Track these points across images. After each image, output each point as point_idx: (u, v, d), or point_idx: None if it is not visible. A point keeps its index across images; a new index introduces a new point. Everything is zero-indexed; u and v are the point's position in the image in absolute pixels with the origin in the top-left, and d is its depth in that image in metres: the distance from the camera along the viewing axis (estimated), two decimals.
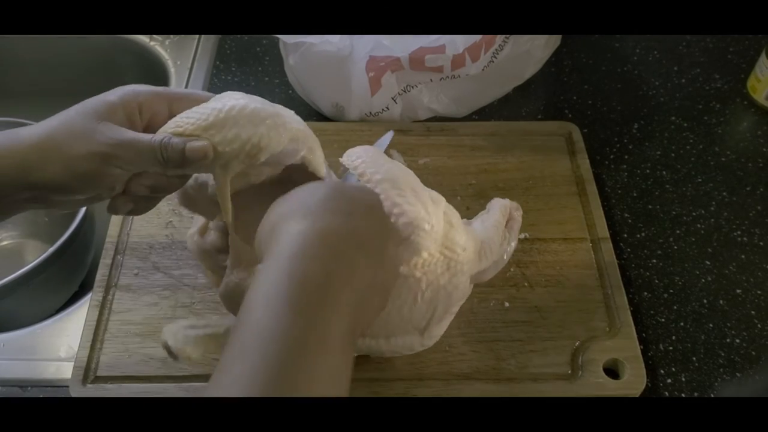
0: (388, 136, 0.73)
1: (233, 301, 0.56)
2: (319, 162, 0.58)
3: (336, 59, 0.79)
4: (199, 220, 0.65)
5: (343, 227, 0.44)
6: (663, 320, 0.70)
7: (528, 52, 0.87)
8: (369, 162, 0.56)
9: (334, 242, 0.43)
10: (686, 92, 0.93)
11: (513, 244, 0.62)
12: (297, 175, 0.58)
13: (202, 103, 0.54)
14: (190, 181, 0.59)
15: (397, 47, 0.78)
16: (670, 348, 0.68)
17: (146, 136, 0.49)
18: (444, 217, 0.57)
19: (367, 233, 0.45)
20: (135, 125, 0.51)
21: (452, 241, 0.56)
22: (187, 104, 0.53)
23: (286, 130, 0.54)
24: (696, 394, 0.65)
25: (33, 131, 0.48)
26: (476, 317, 0.67)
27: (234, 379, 0.36)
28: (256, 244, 0.47)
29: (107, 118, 0.49)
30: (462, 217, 0.65)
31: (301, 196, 0.46)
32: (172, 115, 0.52)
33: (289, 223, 0.43)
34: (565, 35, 0.97)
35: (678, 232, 0.78)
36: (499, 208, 0.63)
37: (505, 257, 0.62)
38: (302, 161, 0.57)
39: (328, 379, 0.38)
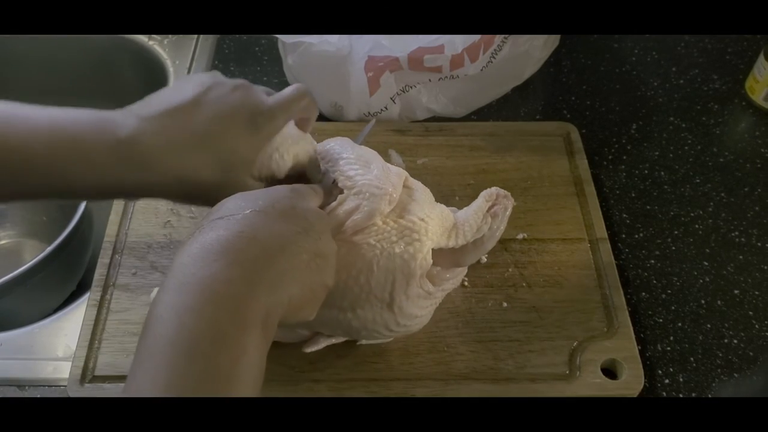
0: (369, 125, 0.74)
1: None
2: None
3: (335, 59, 0.79)
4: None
5: (248, 229, 0.44)
6: (661, 321, 0.70)
7: (527, 53, 0.87)
8: (331, 148, 0.60)
9: (228, 242, 0.42)
10: (684, 93, 0.93)
11: (497, 227, 0.62)
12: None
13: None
14: None
15: (396, 47, 0.78)
16: (668, 348, 0.68)
17: None
18: (406, 190, 0.59)
19: (274, 225, 0.45)
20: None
21: (409, 211, 0.58)
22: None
23: None
24: (694, 395, 0.65)
25: (192, 139, 0.51)
26: (474, 317, 0.67)
27: (133, 388, 0.37)
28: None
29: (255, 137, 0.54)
30: None
31: (215, 209, 0.46)
32: None
33: (197, 230, 0.44)
34: (564, 35, 0.97)
35: (676, 232, 0.78)
36: (483, 194, 0.63)
37: (486, 241, 0.61)
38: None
39: (231, 372, 0.38)
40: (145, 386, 0.36)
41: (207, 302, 0.39)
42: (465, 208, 0.63)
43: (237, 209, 0.45)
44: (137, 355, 0.38)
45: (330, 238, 0.50)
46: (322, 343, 0.62)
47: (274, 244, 0.44)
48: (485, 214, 0.62)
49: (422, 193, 0.61)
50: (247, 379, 0.38)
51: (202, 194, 0.52)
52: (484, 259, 0.72)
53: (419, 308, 0.60)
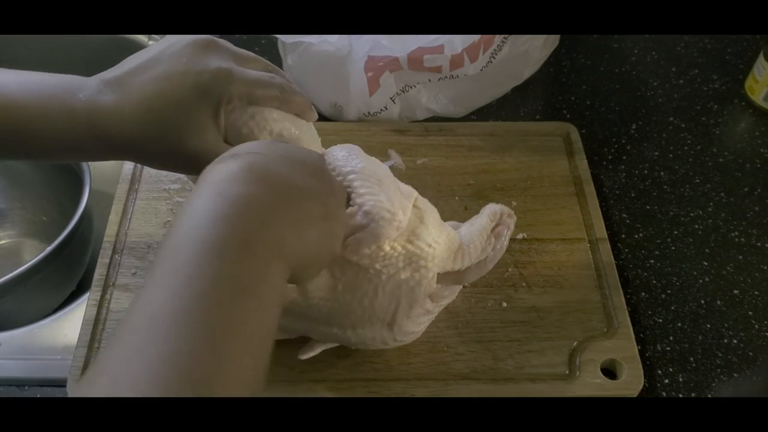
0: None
1: None
2: None
3: (334, 59, 0.79)
4: None
5: (272, 163, 0.43)
6: (660, 321, 0.70)
7: (526, 53, 0.87)
8: (342, 157, 0.57)
9: (259, 171, 0.42)
10: (684, 93, 0.93)
11: (500, 248, 0.61)
12: None
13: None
14: None
15: (396, 47, 0.78)
16: (668, 348, 0.68)
17: None
18: (415, 212, 0.57)
19: (295, 174, 0.45)
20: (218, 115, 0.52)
21: (418, 236, 0.56)
22: (268, 99, 0.55)
23: None
24: (693, 395, 0.65)
25: (139, 104, 0.49)
26: (474, 317, 0.68)
27: (153, 280, 0.36)
28: None
29: (204, 102, 0.50)
30: (459, 218, 0.65)
31: (237, 146, 0.46)
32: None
33: (220, 162, 0.43)
34: (564, 35, 0.97)
35: (676, 232, 0.78)
36: (487, 212, 0.62)
37: (488, 261, 0.61)
38: None
39: (250, 282, 0.37)
40: (166, 280, 0.35)
41: (242, 217, 0.39)
42: (467, 225, 0.62)
43: (273, 150, 0.45)
44: (157, 257, 0.37)
45: (344, 210, 0.51)
46: (317, 349, 0.62)
47: (304, 193, 0.44)
48: (489, 234, 0.61)
49: (431, 214, 0.59)
50: (267, 297, 0.38)
51: (160, 157, 0.51)
52: None
53: (417, 325, 0.60)
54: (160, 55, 0.52)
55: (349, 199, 0.54)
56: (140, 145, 0.50)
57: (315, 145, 0.61)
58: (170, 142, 0.50)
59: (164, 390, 0.31)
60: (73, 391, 0.62)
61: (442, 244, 0.58)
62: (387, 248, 0.55)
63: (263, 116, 0.55)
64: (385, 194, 0.55)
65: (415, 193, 0.59)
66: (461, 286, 0.66)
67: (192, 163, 0.51)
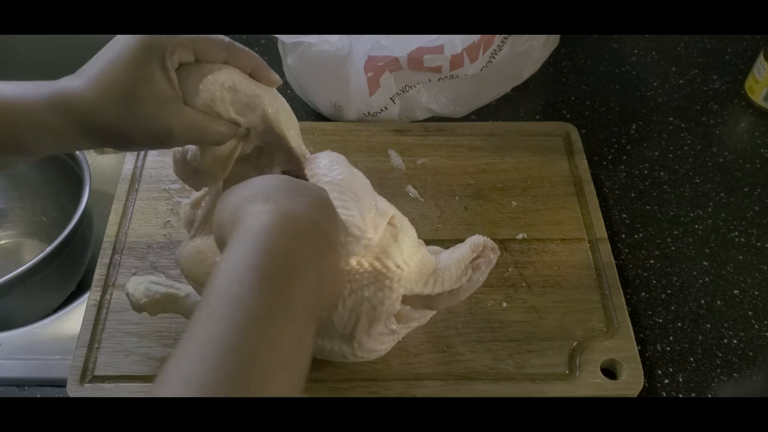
0: None
1: (189, 263, 0.58)
2: (295, 138, 0.58)
3: (334, 59, 0.79)
4: (196, 194, 0.65)
5: (304, 210, 0.45)
6: (660, 321, 0.70)
7: (526, 53, 0.87)
8: (323, 165, 0.57)
9: (297, 221, 0.43)
10: (684, 93, 0.93)
11: (476, 280, 0.61)
12: (279, 158, 0.59)
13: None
14: (189, 153, 0.59)
15: (396, 47, 0.78)
16: (668, 348, 0.68)
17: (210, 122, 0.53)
18: (390, 230, 0.57)
19: (323, 219, 0.46)
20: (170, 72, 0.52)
21: (388, 255, 0.56)
22: (213, 53, 0.55)
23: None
24: (693, 395, 0.65)
25: (104, 82, 0.50)
26: (474, 317, 0.68)
27: (199, 342, 0.37)
28: (215, 227, 0.47)
29: (149, 57, 0.51)
30: (459, 218, 0.65)
31: (261, 183, 0.47)
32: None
33: (253, 205, 0.44)
34: (564, 36, 0.97)
35: (676, 232, 0.78)
36: (470, 243, 0.62)
37: (461, 292, 0.61)
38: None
39: (292, 348, 0.39)
40: (213, 347, 0.37)
41: (283, 280, 0.40)
42: (449, 252, 0.62)
43: (295, 191, 0.46)
44: (204, 307, 0.39)
45: (342, 222, 0.51)
46: None
47: (329, 238, 0.46)
48: (467, 265, 0.61)
49: (406, 234, 0.59)
50: (302, 349, 0.41)
51: (126, 127, 0.51)
52: None
53: (380, 343, 0.59)
54: (115, 39, 0.53)
55: None
56: (105, 118, 0.50)
57: (277, 102, 0.57)
58: (127, 104, 0.50)
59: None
60: (73, 391, 0.62)
61: (413, 266, 0.57)
62: (353, 263, 0.55)
63: (210, 70, 0.53)
64: (358, 210, 0.55)
65: (393, 211, 0.59)
66: (433, 312, 0.65)
67: (160, 131, 0.51)
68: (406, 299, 0.58)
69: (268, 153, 0.59)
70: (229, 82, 0.54)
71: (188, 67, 0.53)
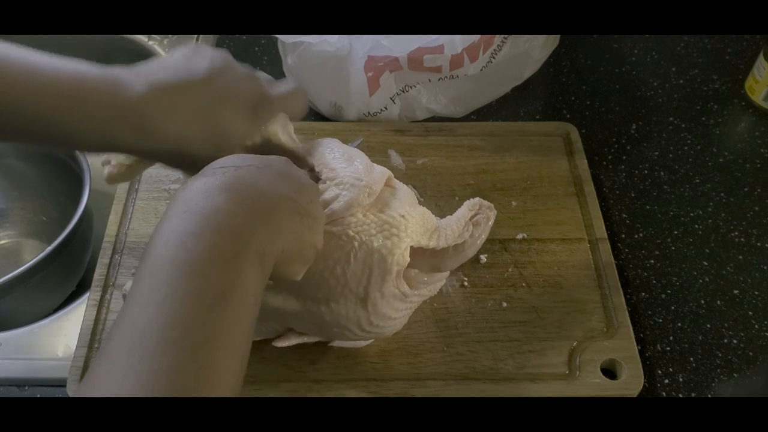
0: (356, 143, 0.78)
1: None
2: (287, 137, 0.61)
3: (334, 59, 0.79)
4: None
5: (245, 174, 0.45)
6: (660, 321, 0.70)
7: (526, 53, 0.87)
8: (320, 142, 0.62)
9: (230, 183, 0.44)
10: (684, 93, 0.93)
11: (479, 235, 0.62)
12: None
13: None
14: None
15: (396, 47, 0.78)
16: (668, 348, 0.68)
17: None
18: (388, 189, 0.60)
19: (267, 181, 0.46)
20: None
21: (391, 207, 0.58)
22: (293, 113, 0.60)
23: None
24: (693, 395, 0.65)
25: (194, 112, 0.53)
26: (474, 317, 0.68)
27: (137, 299, 0.38)
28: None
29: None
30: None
31: (214, 162, 0.48)
32: None
33: (196, 177, 0.45)
34: (564, 36, 0.97)
35: (676, 232, 0.78)
36: (467, 204, 0.64)
37: (467, 247, 0.62)
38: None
39: (225, 290, 0.39)
40: (144, 301, 0.38)
41: (208, 228, 0.41)
42: (448, 216, 0.63)
43: (238, 162, 0.47)
44: (137, 276, 0.40)
45: (319, 205, 0.52)
46: (293, 340, 0.62)
47: (272, 194, 0.46)
48: (467, 221, 0.62)
49: (405, 193, 0.61)
50: (242, 301, 0.40)
51: (193, 164, 0.53)
52: (484, 260, 0.72)
53: (393, 310, 0.59)
54: (212, 77, 0.54)
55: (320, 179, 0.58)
56: (183, 151, 0.53)
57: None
58: (215, 151, 0.52)
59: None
60: (72, 391, 0.62)
61: (416, 217, 0.59)
62: (360, 216, 0.57)
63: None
64: (356, 167, 0.59)
65: (390, 173, 0.61)
66: (443, 280, 0.66)
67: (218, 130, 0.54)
68: (413, 259, 0.59)
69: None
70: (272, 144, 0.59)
71: None
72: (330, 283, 0.56)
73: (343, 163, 0.59)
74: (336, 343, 0.64)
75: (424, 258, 0.60)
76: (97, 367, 0.36)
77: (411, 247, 0.58)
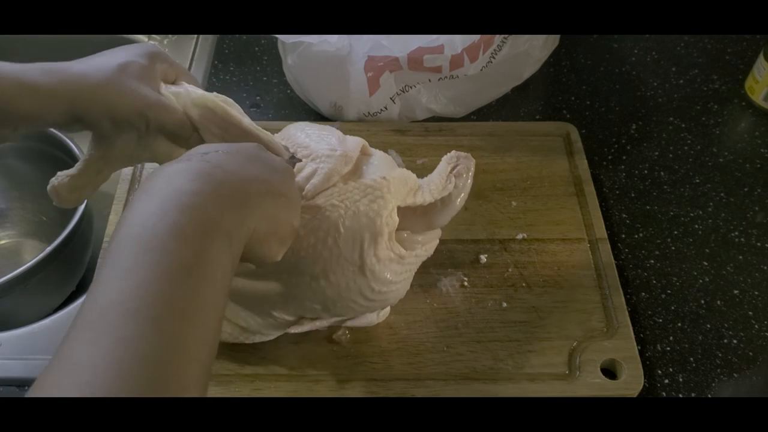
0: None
1: None
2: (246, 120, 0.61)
3: (334, 59, 0.79)
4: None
5: (214, 158, 0.46)
6: (660, 321, 0.70)
7: (526, 53, 0.87)
8: (291, 126, 0.65)
9: (199, 167, 0.44)
10: (684, 93, 0.93)
11: (463, 185, 0.62)
12: None
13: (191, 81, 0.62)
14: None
15: (396, 47, 0.78)
16: (668, 348, 0.68)
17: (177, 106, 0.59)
18: (363, 157, 0.61)
19: (237, 164, 0.47)
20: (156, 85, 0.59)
21: (369, 173, 0.59)
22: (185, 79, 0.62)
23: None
24: (693, 395, 0.65)
25: (85, 78, 0.56)
26: (474, 317, 0.68)
27: (99, 279, 0.38)
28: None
29: (144, 79, 0.57)
30: (459, 219, 0.65)
31: (187, 152, 0.48)
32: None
33: (166, 165, 0.45)
34: (564, 36, 0.97)
35: (676, 232, 0.78)
36: (444, 158, 0.64)
37: (454, 198, 0.62)
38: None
39: (190, 263, 0.39)
40: (106, 279, 0.38)
41: (171, 207, 0.41)
42: (429, 175, 0.64)
43: (206, 149, 0.48)
44: (104, 256, 0.41)
45: (294, 185, 0.52)
46: (306, 326, 0.62)
47: (241, 175, 0.46)
48: (449, 174, 0.62)
49: (382, 158, 0.62)
50: (209, 275, 0.40)
51: (112, 103, 0.55)
52: (484, 260, 0.72)
53: (392, 273, 0.59)
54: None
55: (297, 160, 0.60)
56: (94, 79, 0.55)
57: (222, 97, 0.61)
58: (120, 76, 0.55)
59: (124, 372, 0.34)
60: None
61: (398, 178, 0.59)
62: (341, 184, 0.58)
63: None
64: (328, 140, 0.60)
65: (364, 142, 0.62)
66: (436, 238, 0.65)
67: (139, 104, 0.56)
68: (404, 221, 0.59)
69: None
70: (190, 88, 0.60)
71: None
72: (324, 256, 0.57)
73: (316, 139, 0.61)
74: (349, 323, 0.64)
75: (414, 218, 0.61)
76: (64, 343, 0.37)
77: (399, 207, 0.58)
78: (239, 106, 0.61)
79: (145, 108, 0.56)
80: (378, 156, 0.63)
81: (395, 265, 0.59)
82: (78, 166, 0.62)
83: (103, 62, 0.57)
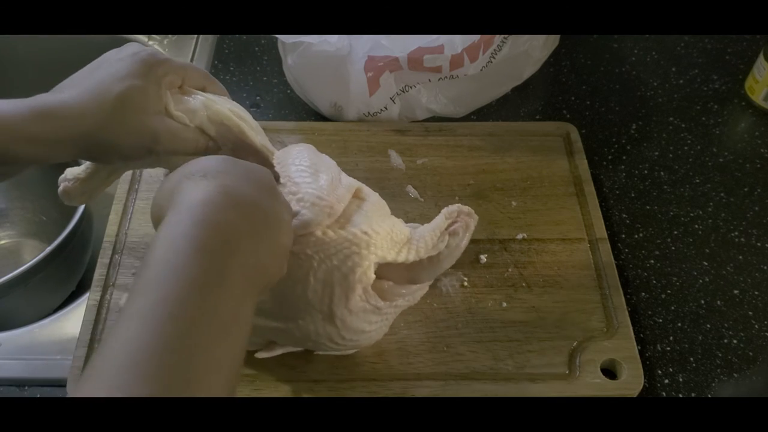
0: None
1: None
2: (260, 139, 0.61)
3: (334, 59, 0.79)
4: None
5: (241, 185, 0.45)
6: (660, 321, 0.70)
7: (526, 53, 0.87)
8: (289, 151, 0.61)
9: (232, 195, 0.44)
10: (684, 93, 0.93)
11: (456, 246, 0.61)
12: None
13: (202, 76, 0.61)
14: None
15: (396, 47, 0.78)
16: (668, 348, 0.68)
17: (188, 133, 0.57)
18: (356, 202, 0.59)
19: (262, 195, 0.46)
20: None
21: (353, 223, 0.57)
22: (196, 79, 0.60)
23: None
24: (693, 395, 0.65)
25: (84, 121, 0.52)
26: (474, 317, 0.68)
27: (137, 313, 0.37)
28: (153, 206, 0.48)
29: (147, 108, 0.55)
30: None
31: (200, 161, 0.48)
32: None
33: (190, 181, 0.45)
34: (564, 35, 0.97)
35: (676, 232, 0.78)
36: (444, 212, 0.62)
37: (442, 259, 0.61)
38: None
39: (229, 317, 0.39)
40: (141, 314, 0.37)
41: (220, 248, 0.41)
42: (424, 225, 0.62)
43: (234, 168, 0.47)
44: (141, 279, 0.39)
45: (285, 201, 0.52)
46: (277, 351, 0.62)
47: (268, 212, 0.46)
48: (443, 231, 0.61)
49: (374, 205, 0.60)
50: (241, 320, 0.40)
51: (115, 140, 0.54)
52: (484, 260, 0.72)
53: (366, 323, 0.59)
54: (105, 59, 0.57)
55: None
56: (93, 121, 0.52)
57: (239, 112, 0.61)
58: (117, 110, 0.53)
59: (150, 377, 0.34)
60: (72, 394, 0.62)
61: (382, 233, 0.58)
62: (319, 233, 0.56)
63: (191, 91, 0.59)
64: (318, 183, 0.57)
65: (358, 185, 0.60)
66: (423, 291, 0.65)
67: (146, 136, 0.54)
68: (386, 272, 0.58)
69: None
70: (205, 100, 0.59)
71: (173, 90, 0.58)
72: (291, 301, 0.56)
73: (308, 178, 0.58)
74: (321, 353, 0.64)
75: (397, 270, 0.59)
76: (89, 377, 0.36)
77: (378, 262, 0.57)
78: (249, 115, 0.61)
79: (152, 144, 0.55)
80: (372, 201, 0.60)
81: (371, 315, 0.59)
82: (88, 169, 0.62)
83: (99, 93, 0.53)
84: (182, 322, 0.37)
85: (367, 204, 0.60)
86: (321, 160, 0.61)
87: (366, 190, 0.61)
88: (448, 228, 0.61)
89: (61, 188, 0.62)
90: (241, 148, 0.59)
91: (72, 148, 0.53)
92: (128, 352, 0.35)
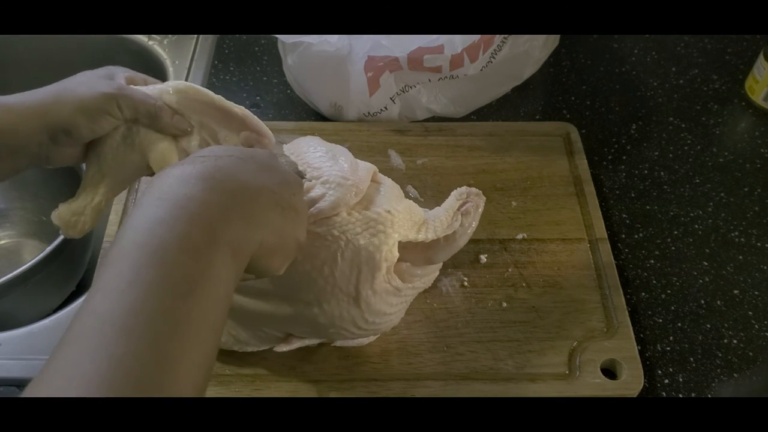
0: None
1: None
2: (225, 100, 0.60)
3: (334, 59, 0.79)
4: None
5: (223, 164, 0.45)
6: (660, 321, 0.70)
7: (526, 53, 0.87)
8: (301, 141, 0.62)
9: (209, 171, 0.43)
10: (684, 93, 0.93)
11: (469, 225, 0.62)
12: (226, 134, 0.59)
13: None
14: None
15: (396, 47, 0.78)
16: (668, 348, 0.68)
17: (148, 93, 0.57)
18: (374, 185, 0.60)
19: (247, 171, 0.46)
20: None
21: (375, 203, 0.58)
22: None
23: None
24: (693, 395, 0.65)
25: (46, 88, 0.54)
26: (474, 317, 0.68)
27: (102, 287, 0.37)
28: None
29: (108, 78, 0.55)
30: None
31: (194, 154, 0.47)
32: None
33: (171, 168, 0.44)
34: (564, 35, 0.97)
35: (676, 232, 0.78)
36: (454, 193, 0.64)
37: (457, 237, 0.61)
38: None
39: (196, 284, 0.38)
40: (107, 288, 0.37)
41: (180, 217, 0.40)
42: (436, 207, 0.63)
43: (220, 152, 0.46)
44: (103, 262, 0.39)
45: (303, 198, 0.51)
46: (294, 344, 0.62)
47: (252, 186, 0.45)
48: (456, 212, 0.62)
49: (390, 188, 0.61)
50: (212, 292, 0.39)
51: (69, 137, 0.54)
52: (484, 260, 0.72)
53: (388, 305, 0.59)
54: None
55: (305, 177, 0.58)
56: (50, 107, 0.53)
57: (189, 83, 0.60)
58: (73, 92, 0.54)
59: (114, 390, 0.33)
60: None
61: (402, 212, 0.59)
62: (345, 214, 0.56)
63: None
64: (341, 165, 0.58)
65: (375, 168, 0.61)
66: (436, 272, 0.66)
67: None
68: (404, 253, 0.59)
69: (213, 138, 0.59)
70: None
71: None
72: (319, 284, 0.56)
73: (328, 162, 0.59)
74: (339, 343, 0.64)
75: (415, 251, 0.60)
76: (56, 354, 0.36)
77: (400, 241, 0.58)
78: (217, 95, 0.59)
79: (114, 91, 0.54)
80: (387, 184, 0.62)
81: (391, 297, 0.59)
82: (78, 192, 0.61)
83: (65, 81, 0.55)
84: (140, 288, 0.36)
85: (383, 186, 0.61)
86: (334, 146, 0.63)
87: (379, 173, 0.63)
88: (460, 208, 0.62)
89: (53, 214, 0.61)
90: (207, 113, 0.58)
91: (42, 117, 0.53)
92: (94, 320, 0.36)
